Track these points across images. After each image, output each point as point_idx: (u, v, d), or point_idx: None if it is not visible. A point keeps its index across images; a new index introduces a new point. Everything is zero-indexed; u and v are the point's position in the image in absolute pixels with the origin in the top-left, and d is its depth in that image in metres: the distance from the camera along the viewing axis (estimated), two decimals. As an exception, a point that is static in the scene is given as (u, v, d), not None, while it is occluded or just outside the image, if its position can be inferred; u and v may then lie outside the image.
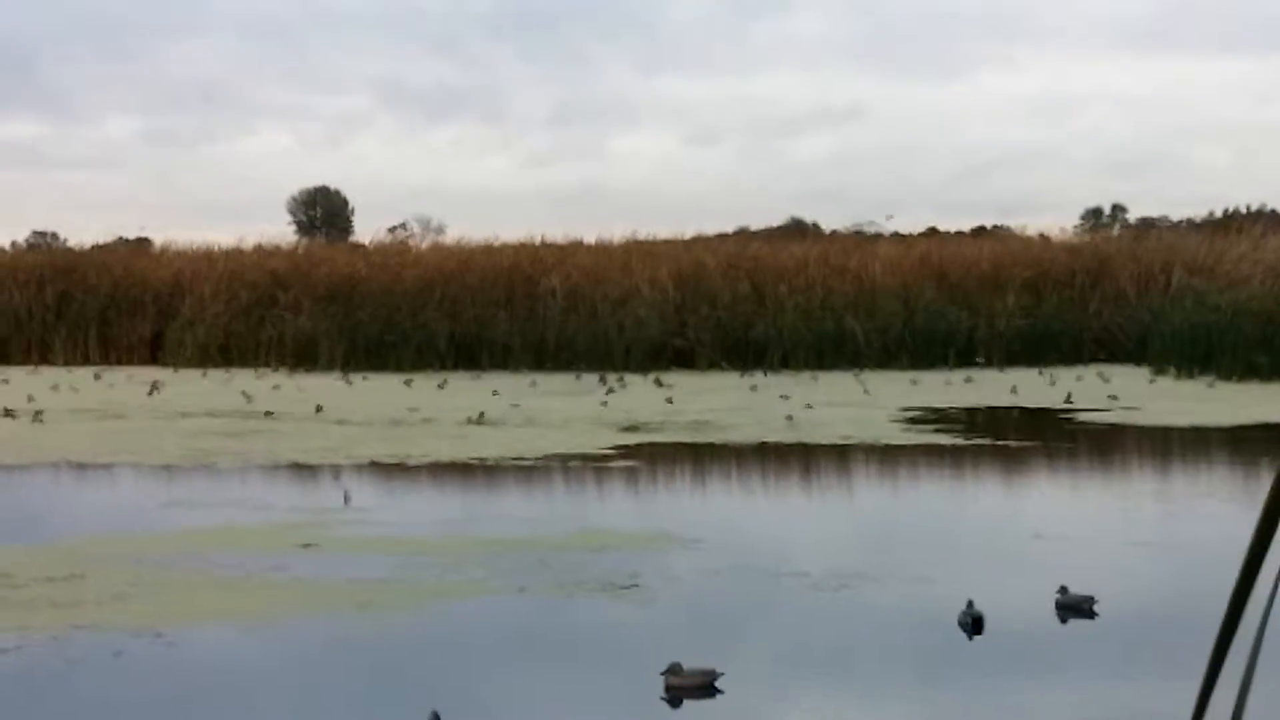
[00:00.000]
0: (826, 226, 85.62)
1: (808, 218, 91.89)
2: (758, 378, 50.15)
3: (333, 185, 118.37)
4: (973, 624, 14.21)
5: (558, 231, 68.31)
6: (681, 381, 48.50)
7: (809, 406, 38.02)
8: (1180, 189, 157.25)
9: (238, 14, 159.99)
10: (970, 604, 14.36)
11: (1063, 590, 15.15)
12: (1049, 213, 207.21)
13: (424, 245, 69.42)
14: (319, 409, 38.13)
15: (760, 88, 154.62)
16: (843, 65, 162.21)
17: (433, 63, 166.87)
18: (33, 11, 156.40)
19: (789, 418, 35.07)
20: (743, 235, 76.54)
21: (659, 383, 47.52)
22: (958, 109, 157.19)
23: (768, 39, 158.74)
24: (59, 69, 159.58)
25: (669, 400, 40.51)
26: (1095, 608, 14.98)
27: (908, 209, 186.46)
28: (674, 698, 11.91)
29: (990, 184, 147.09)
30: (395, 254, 64.40)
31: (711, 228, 77.92)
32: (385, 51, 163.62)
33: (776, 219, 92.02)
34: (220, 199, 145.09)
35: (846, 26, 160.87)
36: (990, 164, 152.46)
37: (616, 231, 66.37)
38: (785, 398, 40.45)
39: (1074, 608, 15.00)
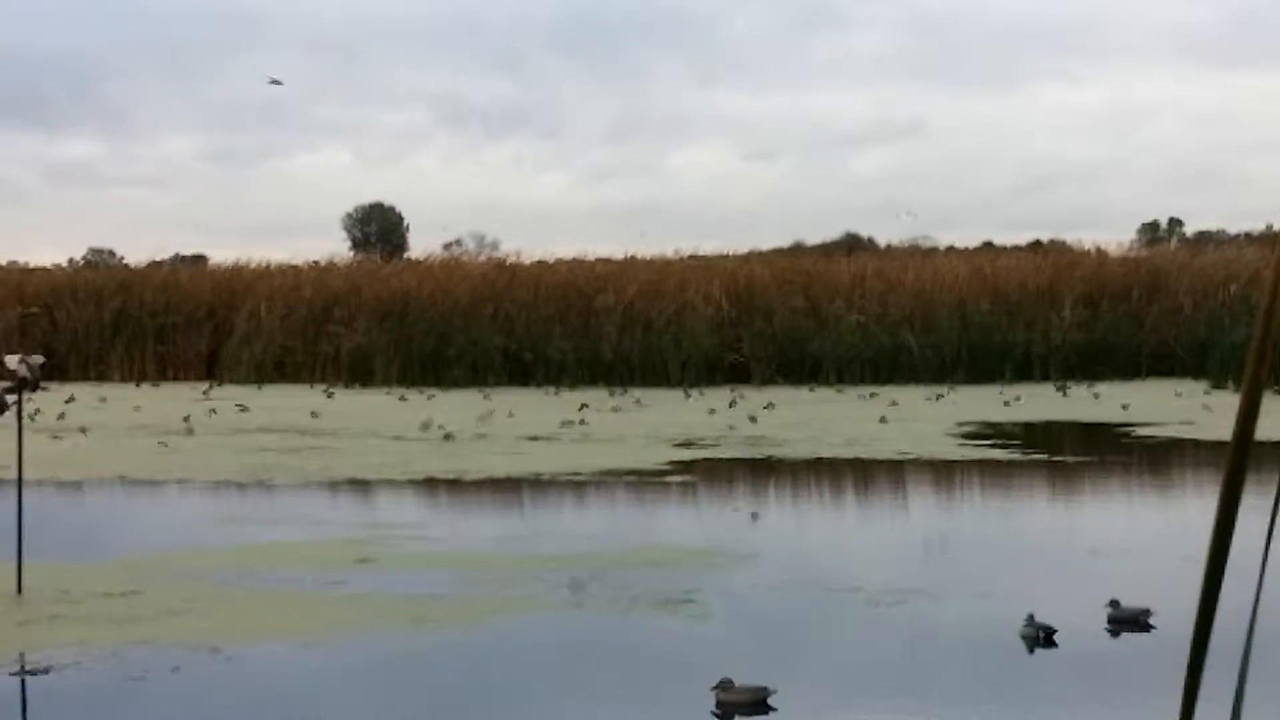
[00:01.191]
0: (882, 241, 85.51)
1: (865, 233, 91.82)
2: (814, 392, 50.06)
3: (389, 202, 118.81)
4: (1044, 637, 14.15)
5: (615, 248, 68.45)
6: (735, 397, 48.47)
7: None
8: (1243, 203, 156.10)
9: (298, 32, 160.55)
10: (1032, 617, 14.29)
11: (1114, 604, 15.04)
12: (1110, 227, 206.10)
13: (478, 261, 69.58)
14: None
15: (819, 103, 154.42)
16: (902, 80, 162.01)
17: (492, 79, 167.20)
18: (93, 30, 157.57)
19: (748, 416, 35.04)
20: (797, 250, 76.47)
21: (724, 396, 47.48)
22: (1018, 123, 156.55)
23: (827, 54, 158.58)
24: (119, 87, 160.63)
25: (713, 412, 40.47)
26: (1151, 620, 14.89)
27: (966, 224, 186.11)
28: (725, 714, 11.87)
29: (1051, 198, 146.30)
30: (449, 270, 64.53)
31: (768, 243, 77.86)
32: (445, 68, 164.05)
33: (833, 234, 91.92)
34: (278, 217, 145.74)
35: (906, 41, 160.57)
36: (1051, 178, 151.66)
37: (673, 247, 66.40)
38: (763, 408, 40.28)
39: (1129, 621, 14.90)
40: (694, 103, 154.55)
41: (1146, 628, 14.83)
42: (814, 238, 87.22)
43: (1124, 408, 41.68)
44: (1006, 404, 44.29)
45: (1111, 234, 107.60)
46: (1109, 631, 14.74)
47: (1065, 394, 48.17)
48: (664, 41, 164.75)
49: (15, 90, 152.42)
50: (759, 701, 11.95)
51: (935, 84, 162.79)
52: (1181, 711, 2.42)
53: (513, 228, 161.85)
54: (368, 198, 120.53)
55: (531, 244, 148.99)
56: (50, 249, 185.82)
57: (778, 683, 12.23)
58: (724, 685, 12.01)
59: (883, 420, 38.74)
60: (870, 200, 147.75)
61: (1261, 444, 32.91)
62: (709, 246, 68.94)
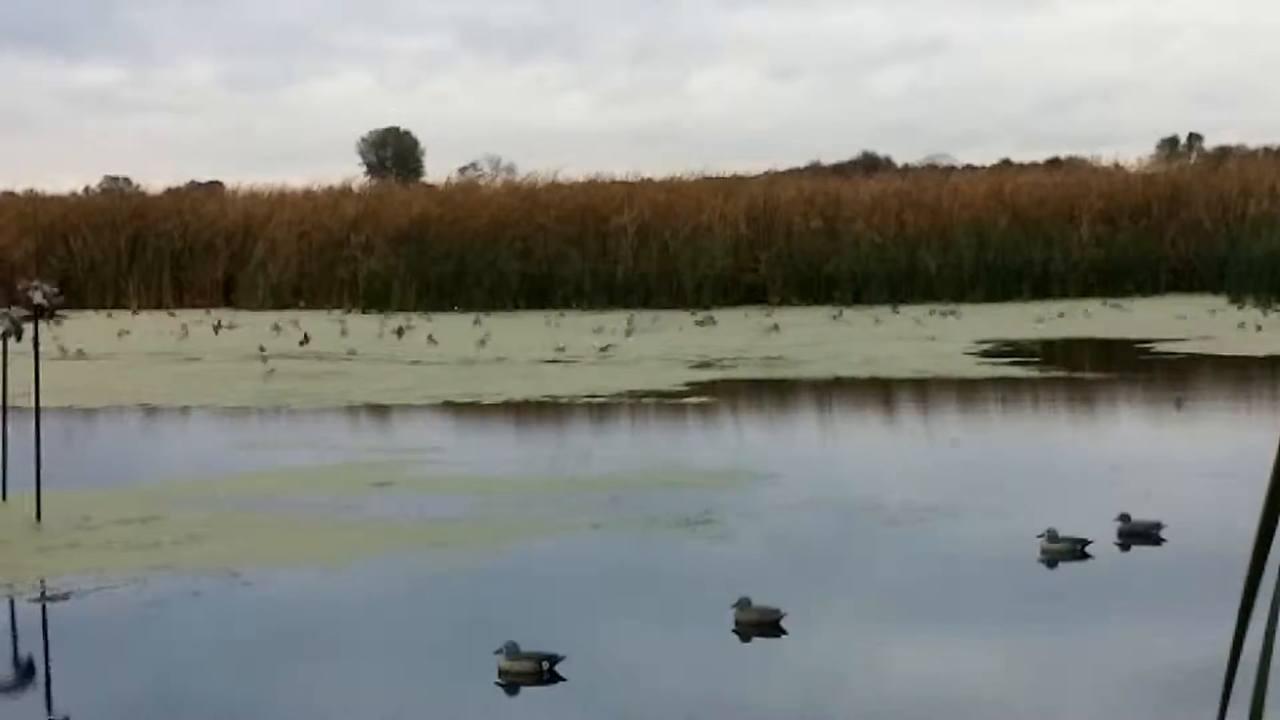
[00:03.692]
0: (900, 160, 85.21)
1: (885, 152, 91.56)
2: (832, 312, 49.95)
3: (406, 127, 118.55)
4: (1080, 550, 14.15)
5: (636, 169, 68.20)
6: (753, 317, 48.40)
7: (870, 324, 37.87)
8: (1265, 117, 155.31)
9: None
10: (1054, 532, 14.25)
11: (1124, 518, 15.00)
12: (1131, 144, 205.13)
13: (494, 185, 69.38)
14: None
15: (843, 21, 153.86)
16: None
17: (516, 0, 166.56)
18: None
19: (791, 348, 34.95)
20: (814, 170, 76.20)
21: (711, 319, 47.42)
22: (1043, 40, 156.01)
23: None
24: (140, 14, 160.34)
25: (706, 336, 40.40)
26: (1162, 534, 14.86)
27: (987, 142, 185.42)
28: (743, 633, 11.85)
29: (1073, 115, 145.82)
30: (466, 194, 64.35)
31: (788, 163, 77.64)
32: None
33: (851, 154, 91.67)
34: (297, 142, 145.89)
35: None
36: (1074, 95, 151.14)
37: (692, 168, 66.12)
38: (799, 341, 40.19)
39: (1140, 534, 14.86)
40: (717, 22, 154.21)
41: (1157, 541, 14.80)
42: (835, 157, 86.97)
43: (1143, 323, 41.52)
44: (1027, 321, 44.14)
45: (1132, 150, 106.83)
46: (1119, 546, 14.70)
47: (1085, 311, 47.99)
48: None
49: (35, 17, 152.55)
50: (771, 623, 11.91)
51: (958, 0, 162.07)
52: (1236, 629, 2.35)
53: (533, 150, 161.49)
54: (388, 123, 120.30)
55: (552, 166, 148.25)
56: (69, 177, 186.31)
57: (798, 601, 12.20)
58: (741, 604, 11.99)
59: (902, 339, 38.67)
60: (890, 119, 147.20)
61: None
62: (728, 167, 68.71)
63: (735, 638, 11.77)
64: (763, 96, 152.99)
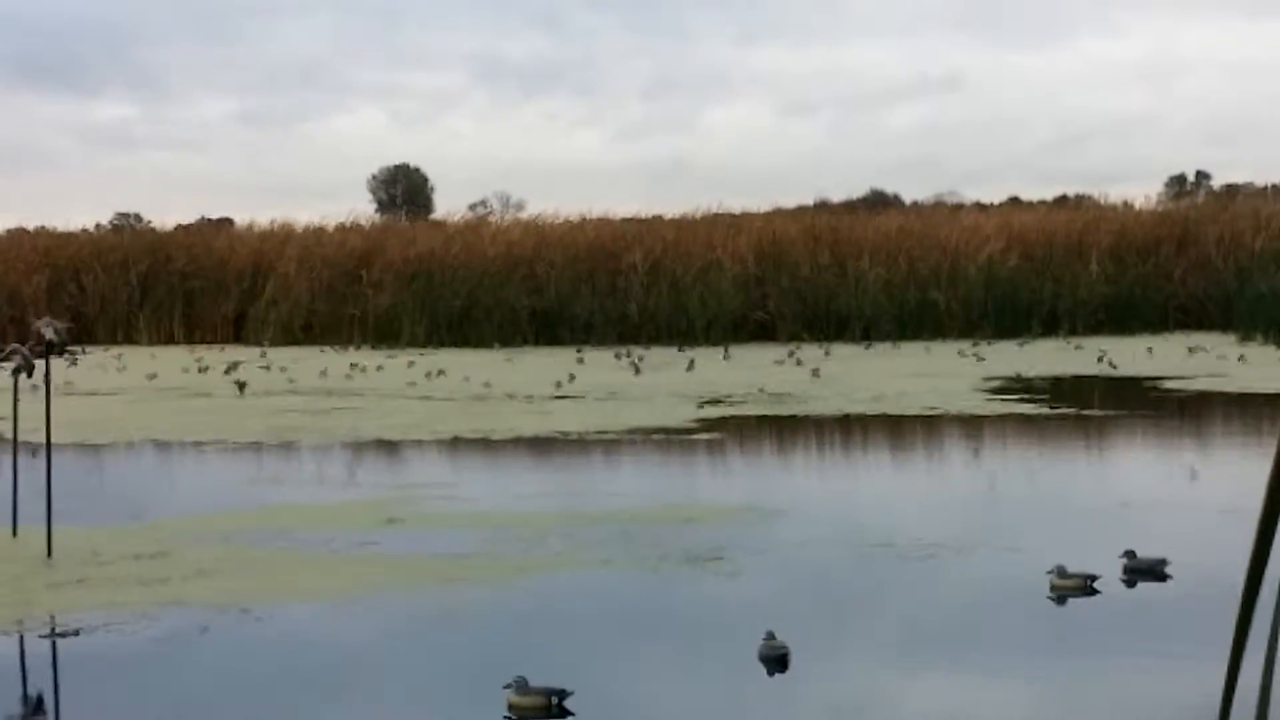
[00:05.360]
0: (909, 197, 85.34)
1: (896, 190, 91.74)
2: (841, 349, 49.96)
3: (418, 163, 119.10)
4: (1089, 584, 14.16)
5: (648, 205, 68.36)
6: (762, 354, 48.39)
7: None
8: (1276, 156, 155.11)
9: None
10: (1063, 569, 14.26)
11: (1129, 554, 14.99)
12: (1142, 181, 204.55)
13: (503, 222, 69.52)
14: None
15: (857, 58, 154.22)
16: (942, 34, 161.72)
17: (531, 36, 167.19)
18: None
19: (815, 372, 34.96)
20: (821, 207, 76.29)
21: (727, 356, 47.40)
22: (1057, 76, 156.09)
23: (867, 8, 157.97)
24: (154, 51, 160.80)
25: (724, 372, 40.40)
26: (1168, 570, 14.84)
27: (999, 179, 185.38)
28: (768, 668, 11.84)
29: (1084, 153, 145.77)
30: (476, 231, 64.49)
31: (797, 200, 77.72)
32: (484, 26, 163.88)
33: (861, 190, 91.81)
34: (310, 178, 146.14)
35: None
36: (1088, 132, 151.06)
37: (703, 205, 66.26)
38: (812, 372, 40.21)
39: (1145, 571, 14.85)
40: (731, 59, 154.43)
41: (1163, 577, 14.79)
42: (846, 194, 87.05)
43: (1152, 360, 41.51)
44: (1036, 358, 44.11)
45: (1141, 188, 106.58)
46: (1124, 582, 14.69)
47: (1093, 347, 47.97)
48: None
49: (49, 54, 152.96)
50: (776, 658, 11.89)
51: (975, 37, 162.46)
52: (1229, 663, 2.37)
53: (546, 186, 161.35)
54: (400, 159, 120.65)
55: (564, 202, 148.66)
56: (83, 213, 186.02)
57: (809, 637, 12.21)
58: (768, 636, 11.99)
59: (911, 375, 38.69)
60: (902, 156, 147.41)
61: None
62: (740, 203, 68.82)
63: (746, 673, 11.76)
64: (776, 133, 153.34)
